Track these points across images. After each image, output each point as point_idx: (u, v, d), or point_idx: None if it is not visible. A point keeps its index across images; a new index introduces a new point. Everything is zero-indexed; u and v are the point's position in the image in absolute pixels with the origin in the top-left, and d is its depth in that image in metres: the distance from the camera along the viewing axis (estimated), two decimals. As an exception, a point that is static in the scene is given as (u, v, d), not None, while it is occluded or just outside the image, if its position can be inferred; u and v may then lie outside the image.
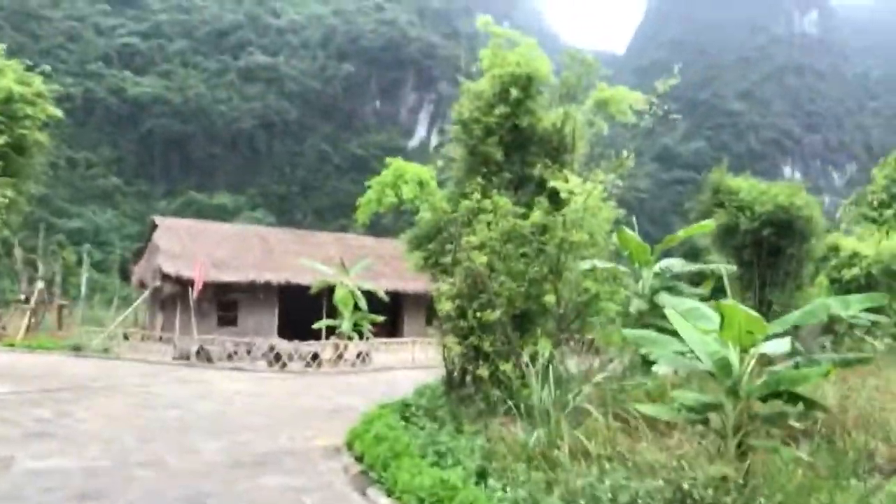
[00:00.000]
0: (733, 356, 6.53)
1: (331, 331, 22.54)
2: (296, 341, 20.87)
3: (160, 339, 24.10)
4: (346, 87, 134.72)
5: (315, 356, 19.02)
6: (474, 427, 8.70)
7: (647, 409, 7.34)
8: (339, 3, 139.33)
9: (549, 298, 10.32)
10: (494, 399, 9.97)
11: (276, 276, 26.58)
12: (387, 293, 23.40)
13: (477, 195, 10.66)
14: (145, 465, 7.50)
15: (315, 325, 21.27)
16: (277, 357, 18.91)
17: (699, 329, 6.94)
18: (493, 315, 10.28)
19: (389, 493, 6.26)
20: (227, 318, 26.49)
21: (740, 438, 6.37)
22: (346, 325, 20.12)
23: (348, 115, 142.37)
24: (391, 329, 28.88)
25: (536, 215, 10.45)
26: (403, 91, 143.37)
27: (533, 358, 11.13)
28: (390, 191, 10.64)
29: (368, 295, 21.64)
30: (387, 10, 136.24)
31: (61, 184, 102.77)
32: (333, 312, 22.00)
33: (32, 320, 27.34)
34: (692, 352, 6.94)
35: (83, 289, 43.40)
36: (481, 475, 6.57)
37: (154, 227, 27.99)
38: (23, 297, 28.58)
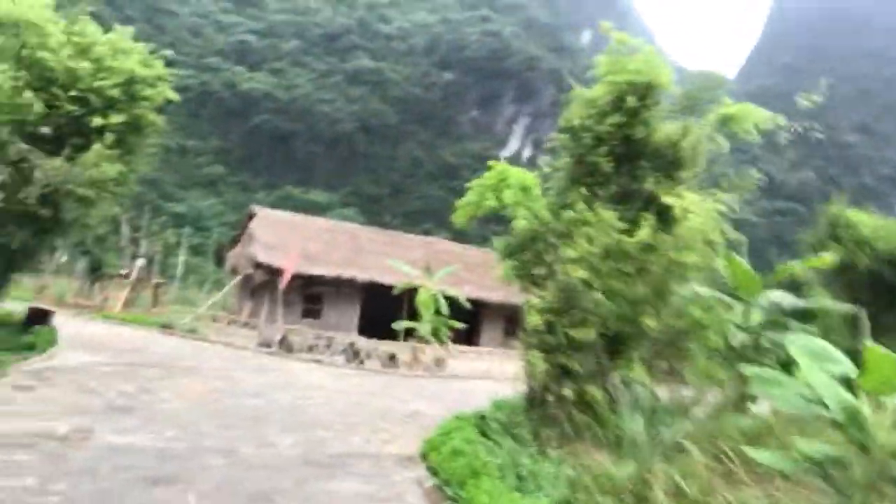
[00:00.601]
0: (866, 407, 5.67)
1: (409, 332, 22.38)
2: (374, 339, 20.81)
3: (246, 325, 24.73)
4: (446, 94, 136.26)
5: (392, 356, 18.86)
6: (557, 451, 8.10)
7: (761, 455, 6.52)
8: (446, 13, 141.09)
9: (649, 322, 9.56)
10: (579, 423, 9.30)
11: (361, 274, 26.75)
12: (468, 301, 23.02)
13: (580, 206, 10.07)
14: (220, 453, 7.38)
15: (395, 326, 21.15)
16: (356, 354, 18.89)
17: (826, 372, 6.10)
18: (586, 334, 9.63)
19: (465, 515, 5.78)
20: (312, 310, 26.89)
21: (867, 500, 5.50)
22: (425, 329, 19.87)
23: (445, 123, 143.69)
24: (468, 337, 28.48)
25: (644, 232, 9.72)
26: (502, 102, 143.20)
27: (624, 383, 10.40)
28: (491, 194, 10.20)
29: (450, 301, 21.33)
30: (493, 22, 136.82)
31: (171, 169, 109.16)
32: (414, 315, 21.82)
33: (130, 295, 28.79)
34: (814, 397, 6.11)
35: (179, 270, 45.69)
36: (565, 507, 6.01)
37: (252, 215, 28.88)
38: (124, 272, 30.17)
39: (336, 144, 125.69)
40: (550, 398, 10.74)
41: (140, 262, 30.23)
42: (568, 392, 9.67)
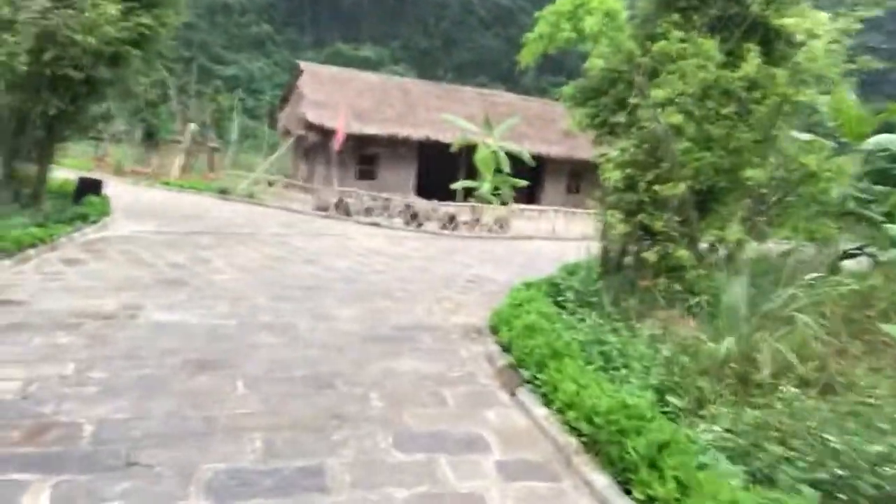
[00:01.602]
0: None
1: (468, 192, 21.43)
2: (433, 200, 19.98)
3: (302, 188, 24.24)
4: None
5: (452, 218, 18.06)
6: (643, 324, 7.20)
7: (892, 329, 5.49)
8: None
9: (754, 173, 8.17)
10: (665, 290, 8.31)
11: (416, 132, 25.47)
12: (530, 156, 21.64)
13: (673, 35, 8.39)
14: (273, 330, 6.80)
15: (453, 186, 20.16)
16: (414, 216, 18.16)
17: None
18: (675, 189, 8.35)
19: (548, 403, 5.02)
20: (367, 171, 26.11)
21: None
22: (485, 188, 18.80)
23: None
24: (529, 195, 27.37)
25: (752, 65, 8.06)
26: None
27: (713, 245, 9.26)
28: (567, 24, 8.57)
29: (510, 157, 20.02)
30: None
31: (218, 31, 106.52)
32: (473, 173, 20.70)
33: (186, 161, 28.54)
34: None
35: (234, 134, 45.30)
36: (661, 393, 5.18)
37: (299, 73, 27.43)
38: (178, 138, 29.77)
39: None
40: (630, 262, 9.79)
41: (192, 126, 29.62)
42: (650, 255, 8.61)
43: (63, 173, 17.52)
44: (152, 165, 30.16)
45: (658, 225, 8.59)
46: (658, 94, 8.55)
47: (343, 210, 19.43)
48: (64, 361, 5.36)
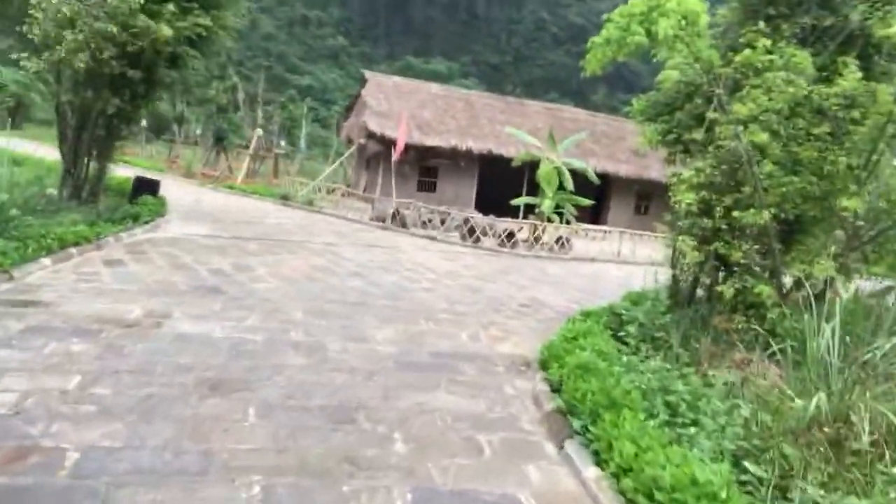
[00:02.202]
0: None
1: (529, 209, 20.66)
2: (491, 216, 19.31)
3: (361, 197, 24.02)
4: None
5: (511, 235, 17.32)
6: (718, 369, 6.31)
7: None
8: None
9: (849, 202, 7.15)
10: (743, 330, 7.38)
11: (478, 144, 24.93)
12: (596, 174, 20.67)
13: (760, 46, 7.50)
14: (301, 350, 6.27)
15: (514, 202, 19.43)
16: (471, 231, 17.51)
17: None
18: (755, 217, 7.41)
19: (600, 463, 4.25)
20: (427, 183, 25.71)
21: None
22: (547, 205, 17.98)
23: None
24: (594, 215, 26.33)
25: (850, 80, 7.08)
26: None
27: (799, 282, 8.22)
28: (638, 27, 7.77)
29: (574, 174, 19.13)
30: None
31: (296, 42, 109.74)
32: (534, 189, 19.91)
33: (252, 166, 28.88)
34: None
35: (303, 142, 46.01)
36: (737, 459, 4.35)
37: (364, 82, 27.37)
38: (246, 143, 30.22)
39: (455, 9, 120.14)
40: (702, 295, 8.87)
41: (259, 132, 30.05)
42: (726, 289, 7.68)
43: (131, 172, 17.82)
44: (220, 169, 30.71)
45: (736, 256, 7.68)
46: (740, 109, 7.68)
47: (399, 221, 19.00)
48: (70, 373, 4.95)
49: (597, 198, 23.53)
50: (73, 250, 9.14)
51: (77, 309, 6.65)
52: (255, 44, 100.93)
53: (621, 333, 7.84)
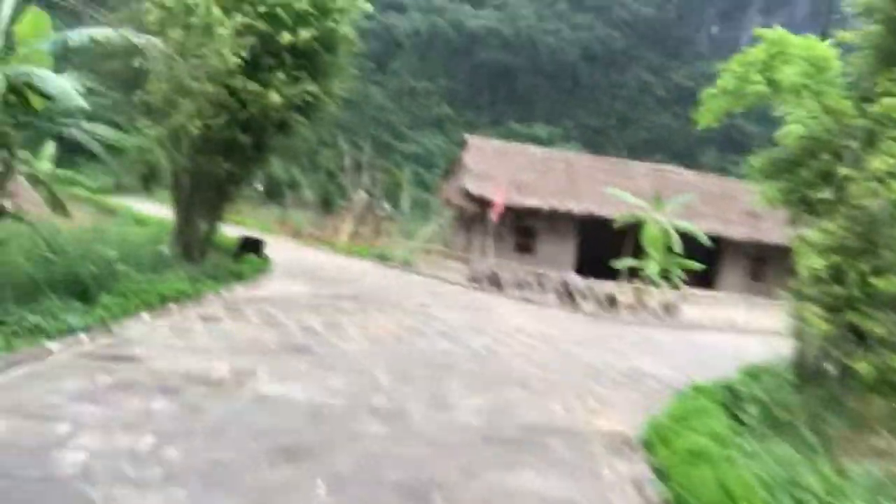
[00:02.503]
0: None
1: (633, 273, 19.65)
2: (591, 279, 18.52)
3: (458, 258, 23.93)
4: (682, 12, 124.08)
5: (612, 299, 16.44)
6: (856, 459, 5.34)
7: None
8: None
9: None
10: (885, 414, 6.33)
11: (578, 206, 24.32)
12: (707, 237, 19.44)
13: (896, 95, 6.68)
14: (381, 417, 5.91)
15: (616, 264, 18.56)
16: (569, 294, 16.81)
17: None
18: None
19: (715, 578, 3.52)
20: (525, 245, 25.27)
21: None
22: (652, 268, 17.00)
23: (679, 43, 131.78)
24: (704, 280, 24.72)
25: None
26: (747, 14, 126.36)
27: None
28: (758, 76, 7.14)
29: (683, 237, 18.06)
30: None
31: (404, 111, 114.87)
32: (639, 252, 18.98)
33: (355, 227, 29.68)
34: None
35: (405, 204, 47.15)
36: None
37: (465, 145, 27.74)
38: (349, 205, 31.23)
39: (558, 76, 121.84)
40: (833, 371, 7.80)
41: (362, 194, 30.98)
42: (863, 365, 6.67)
43: (244, 232, 18.61)
44: (325, 230, 31.83)
45: (874, 328, 6.68)
46: (878, 164, 6.81)
47: (495, 283, 18.61)
48: (145, 432, 4.83)
49: (707, 262, 22.08)
50: (173, 306, 9.41)
51: (166, 365, 6.67)
52: (366, 113, 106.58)
53: (738, 413, 6.95)
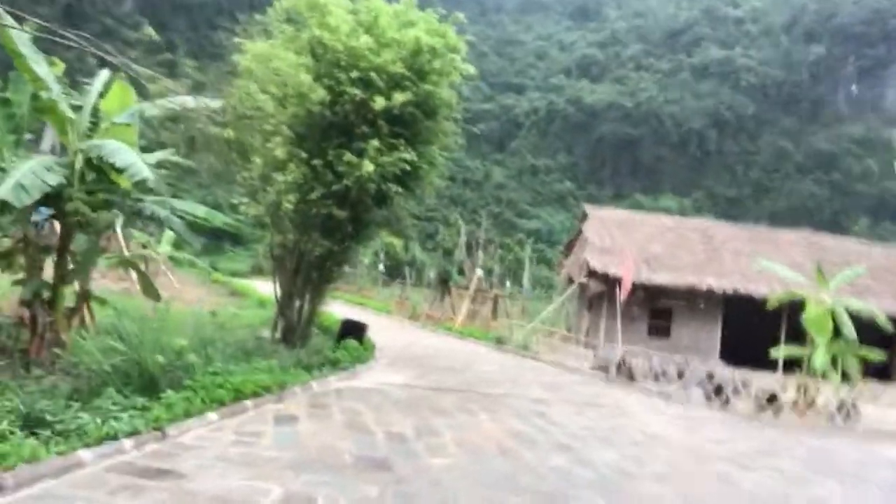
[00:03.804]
0: None
1: (792, 363, 16.53)
2: (741, 370, 15.71)
3: (582, 341, 21.74)
4: (815, 72, 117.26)
5: (772, 397, 13.58)
6: None
7: None
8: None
9: None
10: None
11: (719, 282, 21.50)
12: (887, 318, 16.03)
13: None
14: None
15: (773, 353, 15.64)
16: (718, 390, 14.14)
17: None
18: None
19: None
20: (659, 327, 22.59)
21: None
22: (820, 359, 13.96)
23: (814, 105, 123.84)
24: (879, 371, 20.64)
25: None
26: (889, 70, 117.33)
27: None
28: None
29: (854, 319, 14.89)
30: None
31: (524, 188, 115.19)
32: (799, 337, 15.97)
33: (471, 307, 28.37)
34: None
35: (526, 282, 45.52)
36: None
37: (585, 217, 25.91)
38: (465, 284, 30.08)
39: (685, 145, 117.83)
40: None
41: (479, 273, 29.76)
42: None
43: (361, 313, 17.79)
44: (442, 310, 30.79)
45: None
46: None
47: (626, 373, 16.28)
48: None
49: (884, 348, 18.39)
50: (248, 403, 8.30)
51: (209, 486, 5.40)
52: (488, 192, 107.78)
53: None
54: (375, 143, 10.62)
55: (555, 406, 11.41)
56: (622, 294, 18.93)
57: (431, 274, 46.44)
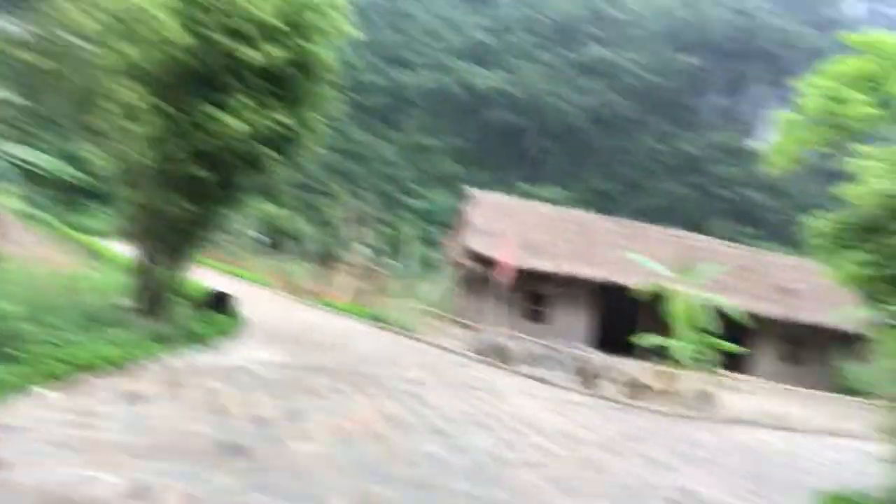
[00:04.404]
0: None
1: (658, 353, 17.44)
2: (612, 357, 16.33)
3: (461, 324, 21.77)
4: (687, 81, 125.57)
5: (638, 384, 14.18)
6: None
7: None
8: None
9: None
10: None
11: (594, 271, 22.30)
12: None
13: None
14: None
15: (639, 341, 16.35)
16: (589, 375, 14.57)
17: None
18: None
19: None
20: (536, 312, 23.15)
21: None
22: (681, 348, 14.77)
23: (686, 111, 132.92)
24: (730, 362, 22.36)
25: None
26: (749, 86, 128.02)
27: None
28: (858, 94, 5.20)
29: (715, 313, 15.88)
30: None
31: (412, 167, 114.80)
32: (663, 328, 16.85)
33: (353, 284, 27.71)
34: None
35: (411, 263, 45.28)
36: None
37: (470, 200, 25.94)
38: (349, 261, 29.35)
39: (567, 139, 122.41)
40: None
41: (363, 251, 29.09)
42: None
43: (236, 285, 16.47)
44: (322, 286, 29.81)
45: None
46: None
47: (502, 356, 16.41)
48: None
49: (734, 342, 19.88)
50: (92, 379, 7.31)
51: (37, 477, 4.56)
52: (375, 168, 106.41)
53: None
54: (247, 100, 9.69)
55: (431, 388, 11.17)
56: (502, 278, 19.09)
57: (314, 247, 44.98)
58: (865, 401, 16.72)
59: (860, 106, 5.24)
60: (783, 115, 6.00)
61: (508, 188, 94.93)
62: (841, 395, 16.47)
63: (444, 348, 17.65)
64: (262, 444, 6.32)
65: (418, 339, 18.67)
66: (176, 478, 5.00)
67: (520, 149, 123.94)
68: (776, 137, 6.06)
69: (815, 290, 24.60)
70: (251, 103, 9.76)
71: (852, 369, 26.84)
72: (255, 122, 9.70)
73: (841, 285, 8.29)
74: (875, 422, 14.04)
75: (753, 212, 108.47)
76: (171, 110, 9.45)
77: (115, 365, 7.86)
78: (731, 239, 58.08)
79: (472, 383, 12.57)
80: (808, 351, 23.99)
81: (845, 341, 23.82)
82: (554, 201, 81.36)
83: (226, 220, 12.59)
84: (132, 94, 8.92)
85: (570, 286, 22.60)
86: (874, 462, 6.04)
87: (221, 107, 9.68)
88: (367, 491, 5.52)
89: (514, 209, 25.39)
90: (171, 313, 12.08)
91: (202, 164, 10.01)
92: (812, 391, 16.01)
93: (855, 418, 15.46)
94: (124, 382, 7.70)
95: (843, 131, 5.71)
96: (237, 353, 11.02)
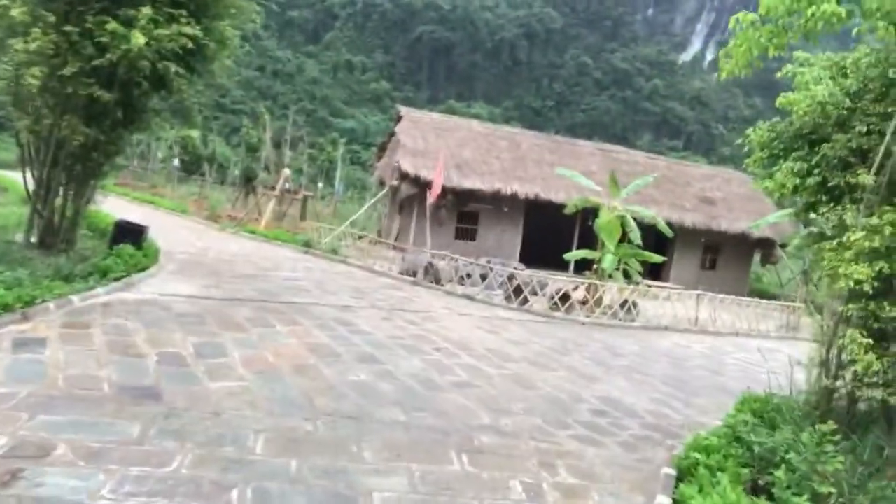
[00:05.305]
0: None
1: (584, 265, 17.79)
2: (541, 271, 16.50)
3: (391, 246, 21.51)
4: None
5: (565, 296, 14.42)
6: None
7: None
8: None
9: None
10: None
11: (523, 188, 22.26)
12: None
13: None
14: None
15: (567, 256, 16.56)
16: (517, 290, 14.69)
17: None
18: None
19: None
20: (466, 231, 23.10)
21: None
22: (608, 261, 15.04)
23: (616, 25, 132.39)
24: (652, 271, 23.22)
25: None
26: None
27: None
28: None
29: (639, 224, 16.19)
30: None
31: (339, 86, 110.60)
32: (590, 241, 17.10)
33: (277, 208, 26.78)
34: None
35: (338, 184, 44.21)
36: None
37: (399, 119, 25.14)
38: (272, 184, 28.22)
39: (497, 54, 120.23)
40: (876, 412, 6.02)
41: (286, 173, 27.95)
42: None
43: (153, 213, 15.46)
44: (245, 212, 28.73)
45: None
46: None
47: (433, 276, 16.33)
48: None
49: (657, 251, 20.51)
50: (-22, 325, 6.68)
51: None
52: (300, 87, 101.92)
53: (760, 479, 5.04)
54: (148, 10, 8.67)
55: (360, 313, 10.95)
56: (432, 197, 18.80)
57: (235, 171, 43.06)
58: (779, 304, 17.73)
59: (826, 4, 5.05)
60: (741, 15, 5.75)
61: (440, 106, 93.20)
62: (757, 300, 17.33)
63: (374, 272, 17.42)
64: (174, 385, 5.97)
65: (348, 264, 18.33)
66: (70, 430, 4.64)
67: (450, 65, 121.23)
68: (736, 39, 5.82)
69: (732, 199, 25.53)
70: (154, 14, 8.74)
71: (767, 274, 28.43)
72: (159, 36, 8.71)
73: (771, 195, 8.41)
74: (788, 323, 14.72)
75: (678, 124, 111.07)
76: (61, 23, 8.36)
77: (8, 308, 7.20)
78: (656, 151, 59.51)
79: (402, 305, 12.44)
80: (727, 258, 25.13)
81: (761, 248, 25.06)
82: (484, 118, 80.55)
83: (136, 145, 11.58)
84: (15, 7, 7.82)
85: (500, 203, 22.54)
86: (790, 363, 6.26)
87: (120, 19, 8.63)
88: (290, 427, 5.32)
89: (444, 127, 24.78)
90: (75, 248, 11.27)
91: (101, 83, 9.02)
92: (730, 296, 16.77)
93: (770, 320, 16.38)
94: (19, 327, 7.10)
95: (804, 32, 5.53)
96: (150, 287, 10.40)
